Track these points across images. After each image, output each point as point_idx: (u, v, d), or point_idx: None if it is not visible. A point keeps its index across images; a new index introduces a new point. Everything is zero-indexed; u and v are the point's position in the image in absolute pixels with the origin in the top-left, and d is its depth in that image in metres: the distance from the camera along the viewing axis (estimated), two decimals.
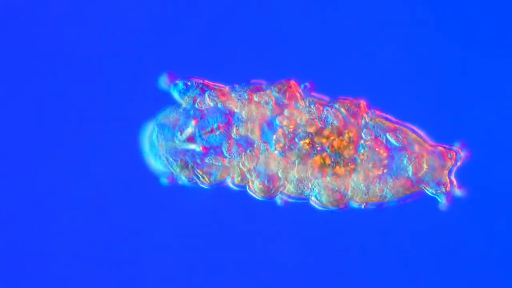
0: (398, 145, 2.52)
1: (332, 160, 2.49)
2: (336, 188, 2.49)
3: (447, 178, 2.54)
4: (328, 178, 2.48)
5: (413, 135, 2.55)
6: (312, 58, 2.60)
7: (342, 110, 2.51)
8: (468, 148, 2.58)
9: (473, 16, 2.61)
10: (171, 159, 2.49)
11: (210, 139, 2.48)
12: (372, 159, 2.50)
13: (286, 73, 2.56)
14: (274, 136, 2.49)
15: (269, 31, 2.59)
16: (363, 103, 2.53)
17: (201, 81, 2.50)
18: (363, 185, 2.50)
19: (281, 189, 2.50)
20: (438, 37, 2.60)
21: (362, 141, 2.51)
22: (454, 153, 2.55)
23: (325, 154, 2.49)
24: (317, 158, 2.49)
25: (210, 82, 2.53)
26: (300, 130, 2.49)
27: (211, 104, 2.49)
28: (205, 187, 2.52)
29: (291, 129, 2.49)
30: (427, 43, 2.61)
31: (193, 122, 2.48)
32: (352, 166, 2.50)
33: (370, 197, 2.52)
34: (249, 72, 2.56)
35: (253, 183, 2.49)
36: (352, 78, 2.60)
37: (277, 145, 2.48)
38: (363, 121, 2.52)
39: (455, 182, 2.56)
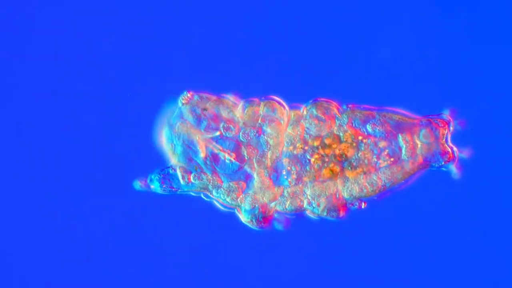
0: (381, 132, 2.48)
1: (340, 167, 2.46)
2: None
3: (446, 146, 2.48)
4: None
5: (397, 116, 2.50)
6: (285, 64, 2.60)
7: (319, 113, 2.49)
8: (458, 113, 2.53)
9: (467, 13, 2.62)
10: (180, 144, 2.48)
11: (218, 157, 2.48)
12: (375, 153, 2.46)
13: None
14: (284, 171, 2.47)
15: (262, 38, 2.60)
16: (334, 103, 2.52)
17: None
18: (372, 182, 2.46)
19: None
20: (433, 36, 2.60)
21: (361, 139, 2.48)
22: (443, 120, 2.50)
23: (332, 164, 2.46)
24: (326, 171, 2.45)
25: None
26: (306, 148, 2.46)
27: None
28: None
29: (299, 151, 2.46)
30: (422, 42, 2.60)
31: (218, 133, 2.48)
32: (360, 170, 2.46)
33: (369, 193, 2.47)
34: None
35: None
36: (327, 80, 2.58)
37: (292, 176, 2.46)
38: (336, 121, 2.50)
39: (455, 148, 2.50)
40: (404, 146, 2.47)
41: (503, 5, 2.57)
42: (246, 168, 2.47)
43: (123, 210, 2.56)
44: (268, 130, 2.46)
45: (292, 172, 2.46)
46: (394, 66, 2.56)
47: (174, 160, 2.47)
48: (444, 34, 2.57)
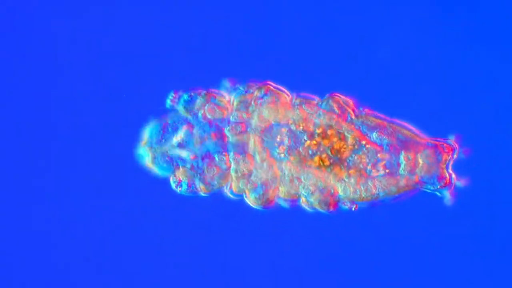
0: (386, 142, 2.53)
1: (331, 161, 2.51)
2: (327, 190, 2.50)
3: (445, 171, 2.52)
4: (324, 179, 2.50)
5: (406, 131, 2.55)
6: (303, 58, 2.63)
7: (335, 107, 2.55)
8: (463, 140, 2.56)
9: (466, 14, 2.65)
10: (162, 162, 2.54)
11: (204, 147, 2.52)
12: (371, 161, 2.51)
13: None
14: (279, 137, 2.52)
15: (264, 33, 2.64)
16: (351, 101, 2.57)
17: (205, 91, 2.55)
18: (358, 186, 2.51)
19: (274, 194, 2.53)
20: (435, 36, 2.63)
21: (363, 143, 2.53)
22: (449, 146, 2.54)
23: (324, 155, 2.51)
24: (316, 159, 2.51)
25: (214, 91, 2.57)
26: (310, 130, 2.52)
27: (218, 112, 2.54)
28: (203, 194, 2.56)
29: (300, 129, 2.52)
30: (424, 42, 2.63)
31: (184, 128, 2.53)
32: (352, 171, 2.51)
33: (362, 197, 2.52)
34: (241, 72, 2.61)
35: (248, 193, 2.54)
36: (347, 78, 2.62)
37: (282, 147, 2.52)
38: (348, 117, 2.55)
39: (454, 175, 2.54)
40: (404, 162, 2.51)
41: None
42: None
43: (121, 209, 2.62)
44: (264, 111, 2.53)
45: (284, 144, 2.52)
46: (390, 65, 2.61)
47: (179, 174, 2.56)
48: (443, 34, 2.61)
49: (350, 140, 2.50)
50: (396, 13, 2.61)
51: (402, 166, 2.50)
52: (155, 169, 2.54)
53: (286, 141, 2.50)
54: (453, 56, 2.60)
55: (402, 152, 2.51)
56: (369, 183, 2.50)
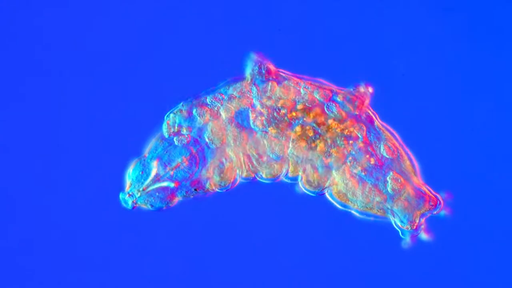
0: (388, 157, 2.60)
1: (314, 134, 2.55)
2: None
3: (417, 218, 2.60)
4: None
5: (408, 163, 2.60)
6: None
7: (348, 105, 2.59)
8: (452, 200, 2.62)
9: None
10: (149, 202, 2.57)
11: (179, 173, 2.55)
12: (357, 158, 2.57)
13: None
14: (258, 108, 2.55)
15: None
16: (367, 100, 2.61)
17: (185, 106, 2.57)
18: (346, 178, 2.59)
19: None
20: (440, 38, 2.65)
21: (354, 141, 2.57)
22: (435, 201, 2.61)
23: (308, 127, 2.55)
24: (298, 128, 2.56)
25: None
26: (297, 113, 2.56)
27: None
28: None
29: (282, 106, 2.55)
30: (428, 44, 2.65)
31: (154, 163, 2.55)
32: (334, 151, 2.55)
33: (345, 192, 2.59)
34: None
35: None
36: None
37: (261, 118, 2.55)
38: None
39: (423, 226, 2.62)
40: (390, 182, 2.59)
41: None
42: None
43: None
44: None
45: (262, 116, 2.56)
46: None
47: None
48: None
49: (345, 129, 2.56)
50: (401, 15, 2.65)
51: (389, 186, 2.59)
52: (149, 207, 2.57)
53: (265, 113, 2.56)
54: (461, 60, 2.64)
55: (391, 173, 2.59)
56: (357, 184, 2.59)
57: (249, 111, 2.54)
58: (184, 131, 2.55)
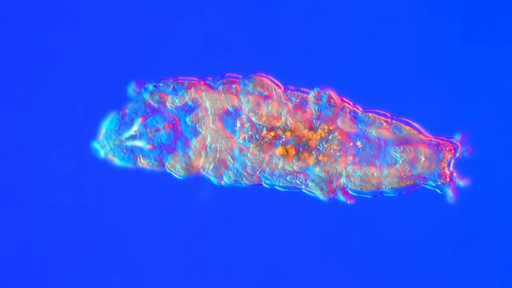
0: (386, 137, 2.60)
1: (298, 150, 2.56)
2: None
3: (446, 169, 2.57)
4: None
5: (408, 128, 2.60)
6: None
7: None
8: (469, 140, 2.60)
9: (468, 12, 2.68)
10: (118, 154, 2.62)
11: (157, 138, 2.60)
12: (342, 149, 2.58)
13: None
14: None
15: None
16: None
17: (171, 79, 2.63)
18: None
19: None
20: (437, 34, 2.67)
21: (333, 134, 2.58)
22: (452, 145, 2.58)
23: (289, 145, 2.56)
24: (280, 149, 2.56)
25: (181, 79, 2.63)
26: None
27: (183, 101, 2.60)
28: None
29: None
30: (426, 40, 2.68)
31: (139, 120, 2.61)
32: (323, 158, 2.56)
33: (364, 185, 2.58)
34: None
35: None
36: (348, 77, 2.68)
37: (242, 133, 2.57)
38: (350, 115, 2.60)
39: (455, 173, 2.58)
40: (400, 157, 2.57)
41: None
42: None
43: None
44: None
45: (244, 129, 2.58)
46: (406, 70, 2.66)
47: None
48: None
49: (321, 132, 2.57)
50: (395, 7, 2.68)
51: (400, 158, 2.57)
52: (116, 160, 2.63)
53: (247, 129, 2.58)
54: (454, 52, 2.66)
55: (399, 148, 2.57)
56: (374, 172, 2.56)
57: (237, 120, 2.57)
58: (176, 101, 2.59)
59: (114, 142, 2.61)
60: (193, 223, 2.65)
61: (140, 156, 2.60)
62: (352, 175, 2.56)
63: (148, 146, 2.60)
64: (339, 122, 2.57)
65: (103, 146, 2.62)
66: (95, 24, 2.67)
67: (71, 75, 2.66)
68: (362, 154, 2.57)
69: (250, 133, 2.56)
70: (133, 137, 2.60)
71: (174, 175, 2.60)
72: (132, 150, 2.61)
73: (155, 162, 2.59)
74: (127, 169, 2.62)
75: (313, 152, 2.56)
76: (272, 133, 2.57)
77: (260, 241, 2.64)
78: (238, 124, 2.58)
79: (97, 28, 2.67)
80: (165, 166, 2.59)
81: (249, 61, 2.65)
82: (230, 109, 2.58)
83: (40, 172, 2.65)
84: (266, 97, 2.58)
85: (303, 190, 2.58)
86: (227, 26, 2.68)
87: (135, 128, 2.60)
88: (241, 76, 2.61)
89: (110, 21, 2.67)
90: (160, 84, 2.61)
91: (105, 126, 2.62)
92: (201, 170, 2.59)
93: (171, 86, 2.61)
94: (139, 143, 2.61)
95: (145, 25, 2.68)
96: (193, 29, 2.67)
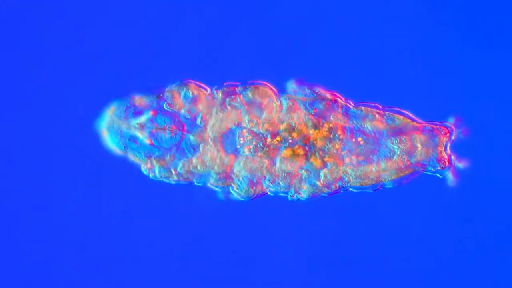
0: (380, 129, 2.60)
1: (306, 150, 2.56)
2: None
3: (443, 153, 2.58)
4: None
5: (401, 117, 2.61)
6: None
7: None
8: (463, 122, 2.61)
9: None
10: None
11: (159, 136, 2.59)
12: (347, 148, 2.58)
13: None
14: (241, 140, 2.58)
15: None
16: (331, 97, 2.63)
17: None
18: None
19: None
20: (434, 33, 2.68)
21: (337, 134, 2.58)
22: (446, 129, 2.59)
23: (296, 146, 2.56)
24: (287, 151, 2.56)
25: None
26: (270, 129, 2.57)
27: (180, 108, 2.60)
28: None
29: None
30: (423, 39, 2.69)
31: (150, 113, 2.61)
32: (329, 159, 2.57)
33: (364, 180, 2.59)
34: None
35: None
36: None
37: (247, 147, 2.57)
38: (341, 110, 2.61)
39: (453, 156, 2.59)
40: (397, 148, 2.58)
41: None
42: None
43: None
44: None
45: (246, 142, 2.58)
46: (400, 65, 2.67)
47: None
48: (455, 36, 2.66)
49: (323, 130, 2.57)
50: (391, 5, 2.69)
51: (397, 149, 2.57)
52: (108, 139, 2.62)
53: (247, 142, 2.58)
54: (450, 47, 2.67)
55: (397, 136, 2.58)
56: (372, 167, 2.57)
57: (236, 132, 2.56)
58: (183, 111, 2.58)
59: (120, 124, 2.58)
60: (190, 227, 2.65)
61: (132, 146, 2.59)
62: (353, 173, 2.57)
63: (147, 141, 2.59)
64: (332, 118, 2.57)
65: (112, 122, 2.59)
66: (95, 24, 2.66)
67: (71, 75, 2.65)
68: (364, 150, 2.57)
69: (254, 143, 2.56)
70: (137, 128, 2.59)
71: (148, 175, 2.60)
72: (129, 138, 2.59)
73: (144, 158, 2.59)
74: (127, 169, 2.62)
75: (318, 154, 2.55)
76: (278, 138, 2.56)
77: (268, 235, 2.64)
78: (241, 141, 2.57)
79: (97, 28, 2.66)
80: (146, 162, 2.59)
81: (244, 61, 2.67)
82: (233, 127, 2.58)
83: (40, 172, 2.64)
84: (260, 105, 2.58)
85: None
86: (227, 26, 2.67)
87: (143, 119, 2.59)
88: (238, 83, 2.62)
89: (111, 21, 2.67)
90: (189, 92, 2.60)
91: (117, 106, 2.60)
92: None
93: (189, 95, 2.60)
94: (139, 134, 2.59)
95: (145, 25, 2.68)
96: (193, 29, 2.67)
